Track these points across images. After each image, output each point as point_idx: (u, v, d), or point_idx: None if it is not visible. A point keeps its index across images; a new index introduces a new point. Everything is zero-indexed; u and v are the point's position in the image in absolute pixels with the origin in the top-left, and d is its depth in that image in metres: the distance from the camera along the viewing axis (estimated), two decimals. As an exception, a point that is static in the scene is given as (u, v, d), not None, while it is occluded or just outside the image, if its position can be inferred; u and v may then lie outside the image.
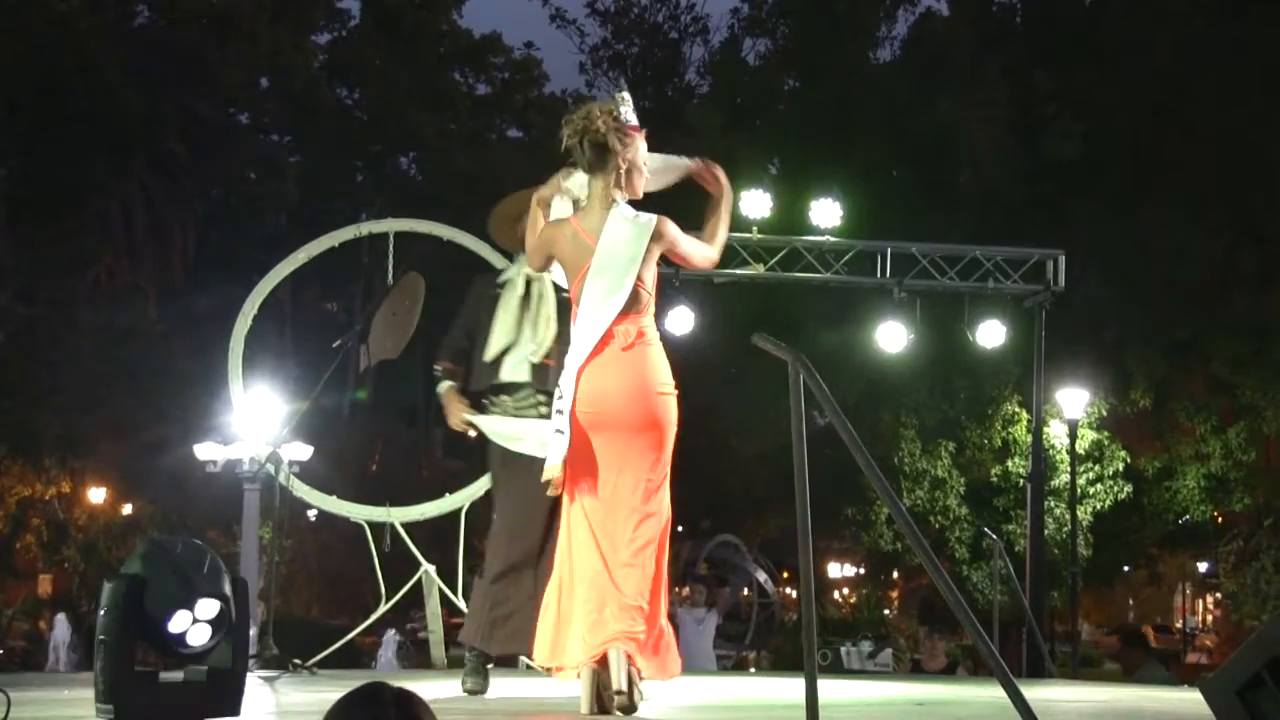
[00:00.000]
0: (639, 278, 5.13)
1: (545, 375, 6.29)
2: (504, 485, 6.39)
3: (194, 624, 4.04)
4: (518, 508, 6.22)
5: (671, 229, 5.24)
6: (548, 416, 6.26)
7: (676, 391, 5.19)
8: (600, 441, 5.09)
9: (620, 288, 5.10)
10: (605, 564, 5.01)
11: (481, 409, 6.39)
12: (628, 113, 5.22)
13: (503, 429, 6.27)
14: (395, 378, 21.23)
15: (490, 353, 6.32)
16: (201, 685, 4.11)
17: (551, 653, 5.11)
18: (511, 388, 6.31)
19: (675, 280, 13.36)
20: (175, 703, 4.09)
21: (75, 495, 28.68)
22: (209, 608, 4.05)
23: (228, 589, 4.09)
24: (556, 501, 5.92)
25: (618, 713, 4.95)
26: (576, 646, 5.02)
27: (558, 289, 6.41)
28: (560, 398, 5.14)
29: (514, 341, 6.31)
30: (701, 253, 5.39)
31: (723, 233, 5.42)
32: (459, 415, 6.34)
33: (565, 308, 6.39)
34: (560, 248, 5.26)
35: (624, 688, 4.92)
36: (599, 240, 5.13)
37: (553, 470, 5.14)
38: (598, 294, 5.11)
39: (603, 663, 4.98)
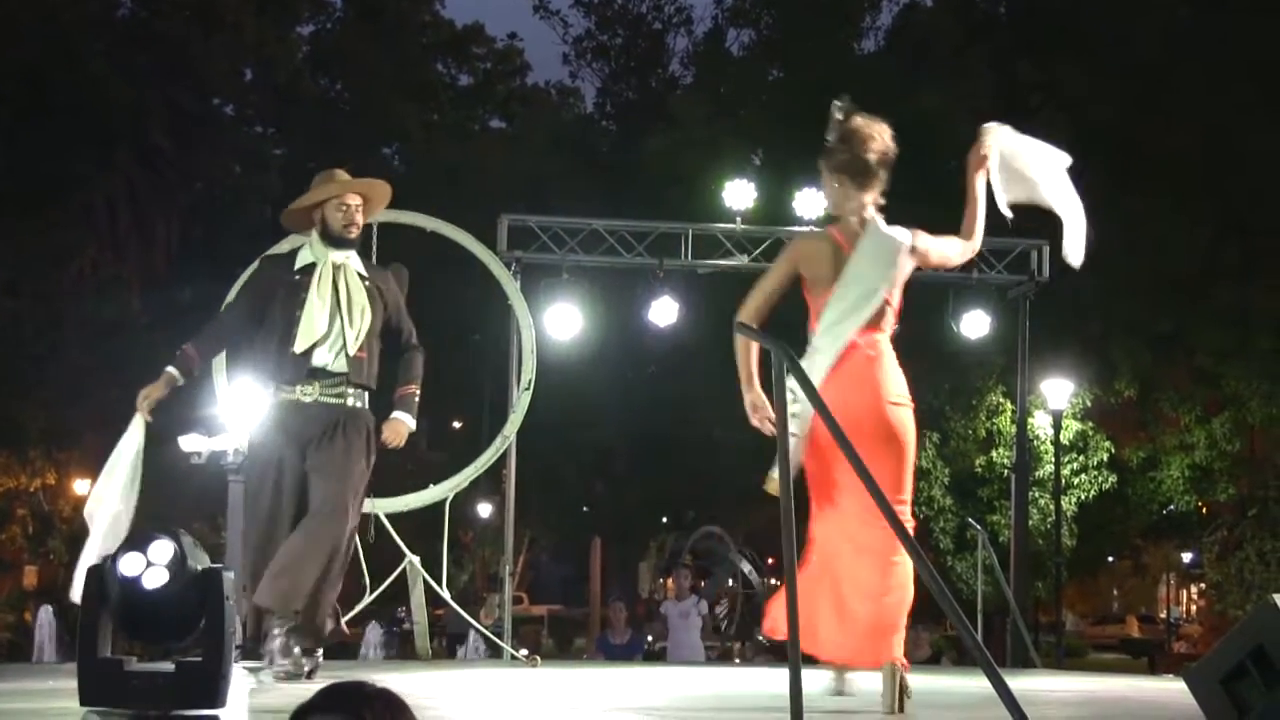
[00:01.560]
0: (889, 294, 5.22)
1: (360, 368, 6.31)
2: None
3: (149, 568, 3.96)
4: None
5: (923, 241, 5.33)
6: (356, 407, 6.32)
7: (912, 404, 5.21)
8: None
9: (870, 301, 5.17)
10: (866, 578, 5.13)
11: (276, 393, 6.39)
12: None
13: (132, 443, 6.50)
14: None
15: (302, 344, 6.25)
16: (174, 674, 4.03)
17: (813, 643, 5.13)
18: (323, 374, 6.27)
19: (659, 270, 13.35)
20: (146, 690, 4.02)
21: (60, 487, 28.61)
22: (163, 550, 3.95)
23: (185, 541, 4.00)
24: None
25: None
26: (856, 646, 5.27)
27: (361, 278, 6.42)
28: (795, 401, 4.92)
29: (328, 334, 6.27)
30: (959, 251, 5.49)
31: (979, 223, 5.48)
32: (147, 405, 6.46)
33: (372, 298, 6.40)
34: (817, 261, 5.25)
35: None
36: (854, 251, 5.19)
37: (772, 479, 5.02)
38: (845, 305, 5.15)
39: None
